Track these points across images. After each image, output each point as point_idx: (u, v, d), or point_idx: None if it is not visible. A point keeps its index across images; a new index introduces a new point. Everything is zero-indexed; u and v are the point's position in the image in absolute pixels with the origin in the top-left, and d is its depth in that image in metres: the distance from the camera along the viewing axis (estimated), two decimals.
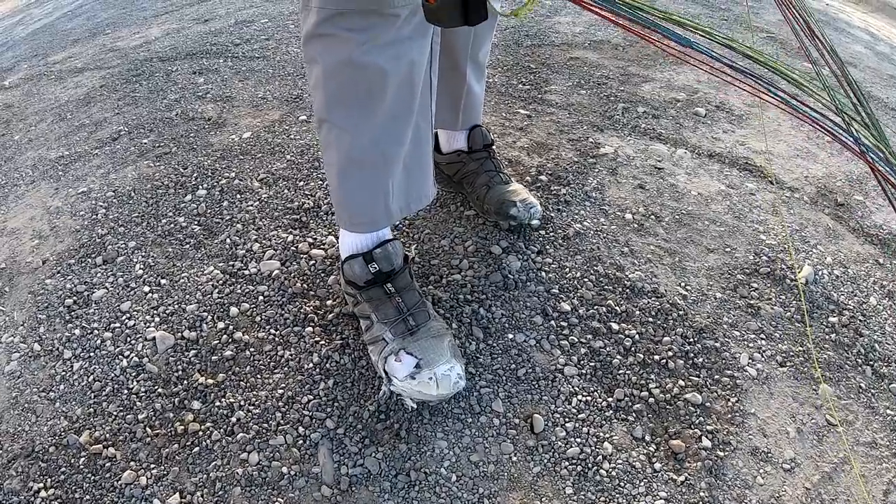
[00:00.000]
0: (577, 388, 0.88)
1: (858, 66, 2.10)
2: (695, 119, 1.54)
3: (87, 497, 0.79)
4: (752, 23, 2.25)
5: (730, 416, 0.88)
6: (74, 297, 1.05)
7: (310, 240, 1.11)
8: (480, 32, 1.01)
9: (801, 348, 0.99)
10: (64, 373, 0.94)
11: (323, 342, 0.93)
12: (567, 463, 0.80)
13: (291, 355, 0.92)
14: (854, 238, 1.25)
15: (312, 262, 1.07)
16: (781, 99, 0.57)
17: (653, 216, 1.19)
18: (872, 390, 0.95)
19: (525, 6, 0.60)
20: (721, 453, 0.83)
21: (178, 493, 0.78)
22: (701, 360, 0.94)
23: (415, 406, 0.84)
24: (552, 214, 1.16)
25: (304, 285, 1.02)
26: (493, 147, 1.13)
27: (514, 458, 0.81)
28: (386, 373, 0.81)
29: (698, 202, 1.25)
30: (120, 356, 0.95)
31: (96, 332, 0.99)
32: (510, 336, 0.94)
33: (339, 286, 1.01)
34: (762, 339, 1.00)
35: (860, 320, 1.05)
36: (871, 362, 0.99)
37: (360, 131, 0.77)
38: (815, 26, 0.67)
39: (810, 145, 1.51)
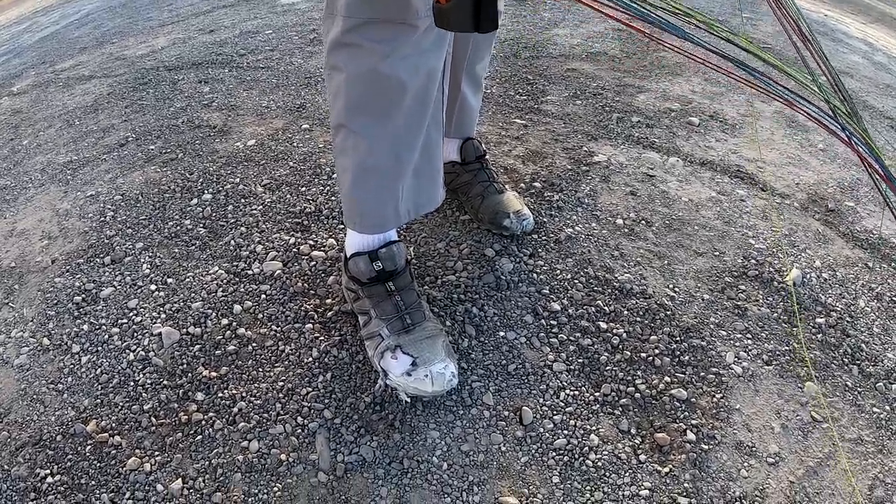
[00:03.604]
0: (565, 383, 0.92)
1: (855, 75, 2.14)
2: (688, 128, 1.58)
3: (93, 482, 0.82)
4: (749, 35, 2.30)
5: (714, 411, 0.91)
6: (83, 295, 1.09)
7: (311, 242, 1.15)
8: (479, 45, 1.05)
9: (787, 348, 1.02)
10: (72, 366, 0.97)
11: (322, 338, 0.97)
12: (554, 453, 0.83)
13: (292, 350, 0.95)
14: (844, 242, 1.28)
15: (313, 262, 1.10)
16: (775, 91, 0.61)
17: (643, 221, 1.23)
18: (859, 389, 0.98)
19: None
20: (705, 447, 0.86)
21: (180, 479, 0.81)
22: (687, 357, 0.97)
23: (409, 400, 0.87)
24: (545, 220, 1.20)
25: (305, 285, 1.06)
26: (486, 157, 1.17)
27: (503, 448, 0.84)
28: (382, 368, 0.85)
29: (689, 208, 1.28)
30: (127, 350, 0.98)
31: (104, 327, 1.03)
32: (501, 334, 0.97)
33: (338, 285, 1.05)
34: (748, 338, 1.02)
35: (847, 321, 1.08)
36: (858, 362, 1.01)
37: (377, 138, 0.80)
38: (807, 30, 0.71)
39: (802, 153, 1.55)
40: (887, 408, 0.95)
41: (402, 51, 0.74)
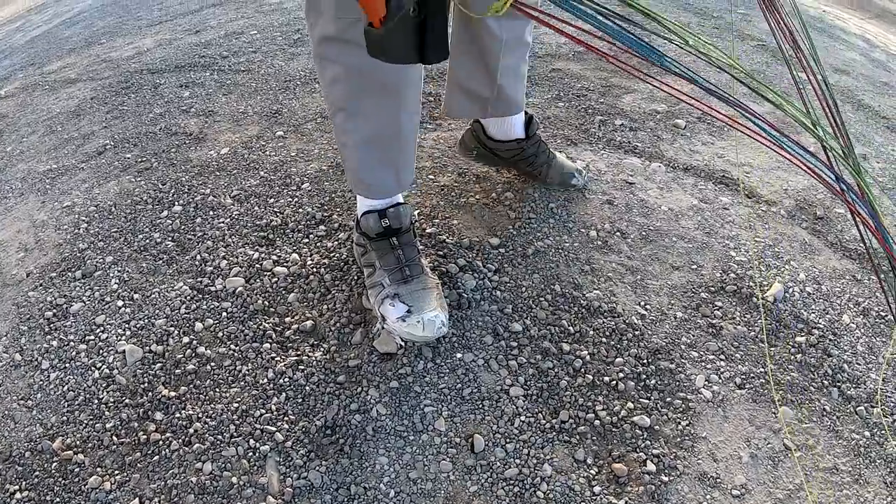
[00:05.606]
0: (521, 409, 0.90)
1: (851, 73, 2.06)
2: (673, 131, 1.53)
3: (58, 500, 0.83)
4: (743, 31, 2.22)
5: (679, 439, 0.88)
6: (54, 310, 1.09)
7: (274, 257, 1.14)
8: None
9: (762, 370, 0.98)
10: (41, 382, 0.98)
11: (279, 358, 0.96)
12: (504, 483, 0.82)
13: (248, 370, 0.95)
14: (831, 252, 1.23)
15: (275, 279, 1.10)
16: (768, 134, 0.56)
17: (618, 233, 1.19)
18: (837, 413, 0.94)
19: (494, 6, 0.51)
20: (666, 478, 0.84)
21: (137, 499, 0.82)
22: (653, 381, 0.94)
23: (403, 344, 0.96)
24: (513, 233, 1.17)
25: (266, 302, 1.06)
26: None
27: (452, 477, 0.83)
28: (381, 314, 0.94)
29: (668, 217, 1.25)
30: (93, 367, 0.99)
31: (72, 343, 1.03)
32: (459, 355, 0.96)
33: (350, 243, 1.14)
34: (721, 360, 0.99)
35: (830, 339, 1.04)
36: (839, 384, 0.98)
37: (377, 117, 0.89)
38: (800, 33, 0.67)
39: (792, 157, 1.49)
40: (867, 434, 0.92)
41: None
